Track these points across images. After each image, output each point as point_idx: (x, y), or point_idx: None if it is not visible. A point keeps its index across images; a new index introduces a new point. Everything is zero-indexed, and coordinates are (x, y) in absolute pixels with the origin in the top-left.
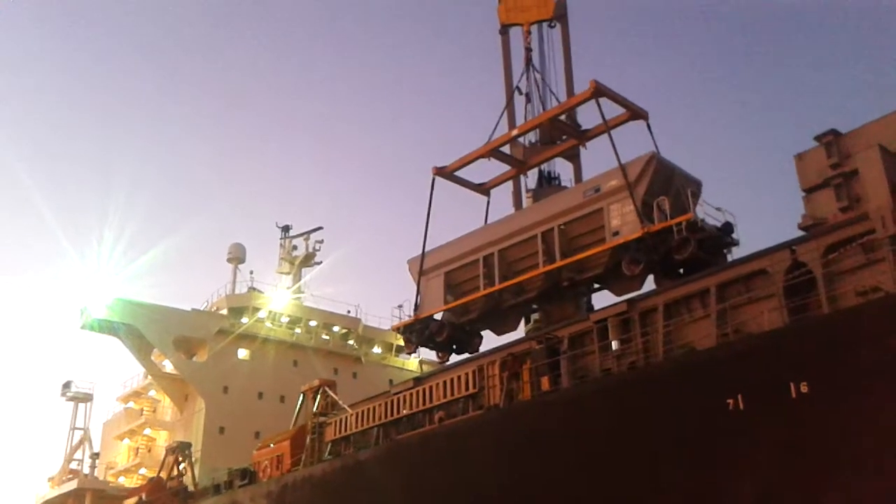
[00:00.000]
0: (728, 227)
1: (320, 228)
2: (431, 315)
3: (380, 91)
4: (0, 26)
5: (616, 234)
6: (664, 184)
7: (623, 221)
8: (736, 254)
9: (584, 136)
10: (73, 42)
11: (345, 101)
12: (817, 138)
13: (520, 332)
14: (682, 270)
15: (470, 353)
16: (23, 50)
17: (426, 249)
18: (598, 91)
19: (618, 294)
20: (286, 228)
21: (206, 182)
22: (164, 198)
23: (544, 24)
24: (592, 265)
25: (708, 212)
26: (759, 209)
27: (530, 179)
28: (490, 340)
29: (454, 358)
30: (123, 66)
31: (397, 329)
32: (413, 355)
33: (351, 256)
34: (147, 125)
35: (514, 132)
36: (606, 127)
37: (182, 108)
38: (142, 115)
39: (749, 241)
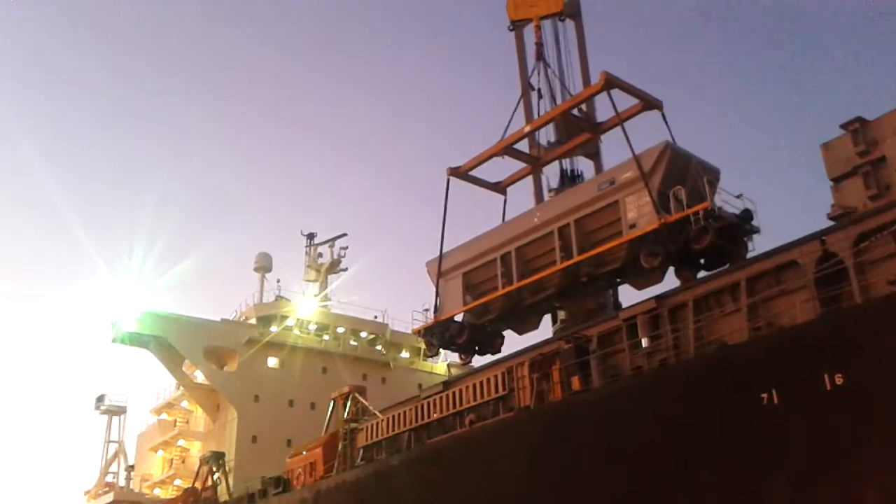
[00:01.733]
0: (747, 215)
1: (345, 235)
2: (452, 317)
3: (400, 94)
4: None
5: (633, 226)
6: (680, 173)
7: (639, 213)
8: (765, 246)
9: (599, 129)
10: (102, 58)
11: (365, 106)
12: (843, 126)
13: (548, 332)
14: (702, 261)
15: (492, 354)
16: (55, 65)
17: (444, 251)
18: (610, 82)
19: (638, 288)
20: (311, 236)
21: (232, 194)
22: (192, 211)
23: (557, 20)
24: (610, 259)
25: (727, 200)
26: (787, 200)
27: (553, 179)
28: (518, 342)
29: (482, 360)
30: (150, 81)
31: (418, 332)
32: (437, 358)
33: (376, 262)
34: (174, 139)
35: (527, 128)
36: (619, 119)
37: (207, 122)
38: (169, 129)
39: (779, 232)
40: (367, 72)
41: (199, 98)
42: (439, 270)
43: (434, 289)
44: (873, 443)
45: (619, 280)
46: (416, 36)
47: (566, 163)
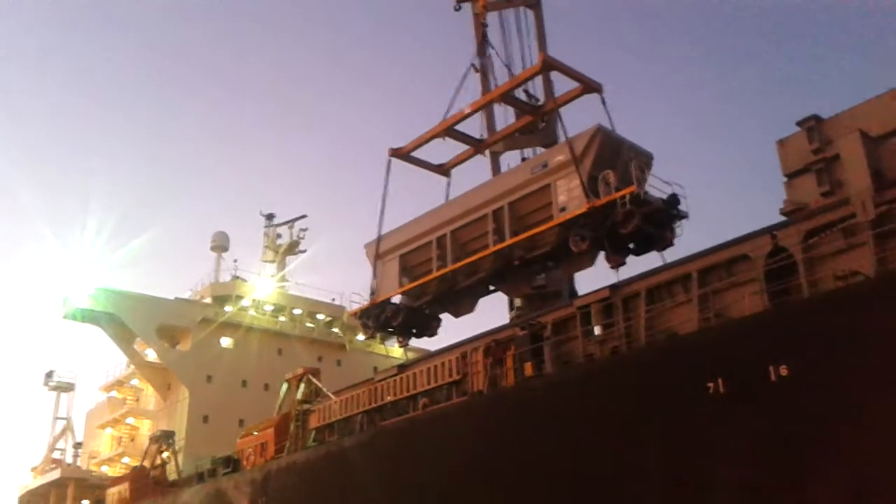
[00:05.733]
0: (674, 199)
1: (304, 216)
2: (388, 299)
3: (364, 77)
4: None
5: (563, 209)
6: (612, 157)
7: (570, 197)
8: (718, 238)
9: (539, 111)
10: (54, 26)
11: (329, 88)
12: (799, 123)
13: (504, 318)
14: (631, 245)
15: (428, 337)
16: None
17: (384, 233)
18: (548, 64)
19: (569, 272)
20: (270, 216)
21: (190, 170)
22: (148, 185)
23: (517, 9)
24: (542, 243)
25: (658, 185)
26: (743, 195)
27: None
28: (473, 328)
29: (439, 344)
30: (106, 50)
31: (354, 315)
32: (392, 342)
33: (336, 244)
34: (131, 109)
35: (467, 110)
36: (555, 103)
37: (167, 94)
38: (126, 99)
39: (733, 226)
40: (335, 51)
41: (159, 69)
42: (376, 252)
43: (371, 271)
44: (816, 433)
45: (550, 264)
46: (381, 16)
47: (527, 149)
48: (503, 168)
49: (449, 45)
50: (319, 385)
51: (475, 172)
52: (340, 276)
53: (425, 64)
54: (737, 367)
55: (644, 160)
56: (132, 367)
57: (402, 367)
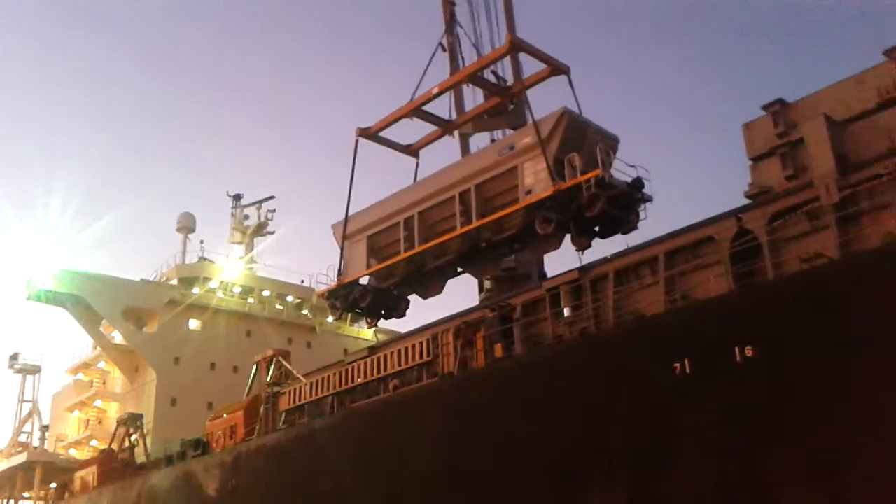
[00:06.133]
0: (638, 183)
1: (272, 198)
2: (356, 280)
3: (333, 57)
4: None
5: (529, 192)
6: (577, 140)
7: (536, 179)
8: (684, 220)
9: (507, 92)
10: (11, 2)
11: (299, 67)
12: (765, 107)
13: (474, 300)
14: (596, 228)
15: (397, 318)
16: None
17: (351, 213)
18: (515, 45)
19: (536, 255)
20: (237, 197)
21: (158, 149)
22: (113, 166)
23: None
24: (508, 225)
25: (623, 169)
26: (710, 178)
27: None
28: (444, 309)
29: (409, 326)
30: (69, 29)
31: (322, 295)
32: (361, 324)
33: (305, 225)
34: (95, 88)
35: (435, 90)
36: (521, 86)
37: (132, 74)
38: (90, 78)
39: (700, 209)
40: (305, 29)
41: (125, 46)
42: (344, 233)
43: (339, 251)
44: (778, 413)
45: (517, 246)
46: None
47: (498, 134)
48: (473, 150)
49: (421, 23)
50: (289, 367)
51: (445, 154)
52: (310, 258)
53: (397, 43)
54: (703, 347)
55: (610, 143)
56: (98, 349)
57: (373, 349)
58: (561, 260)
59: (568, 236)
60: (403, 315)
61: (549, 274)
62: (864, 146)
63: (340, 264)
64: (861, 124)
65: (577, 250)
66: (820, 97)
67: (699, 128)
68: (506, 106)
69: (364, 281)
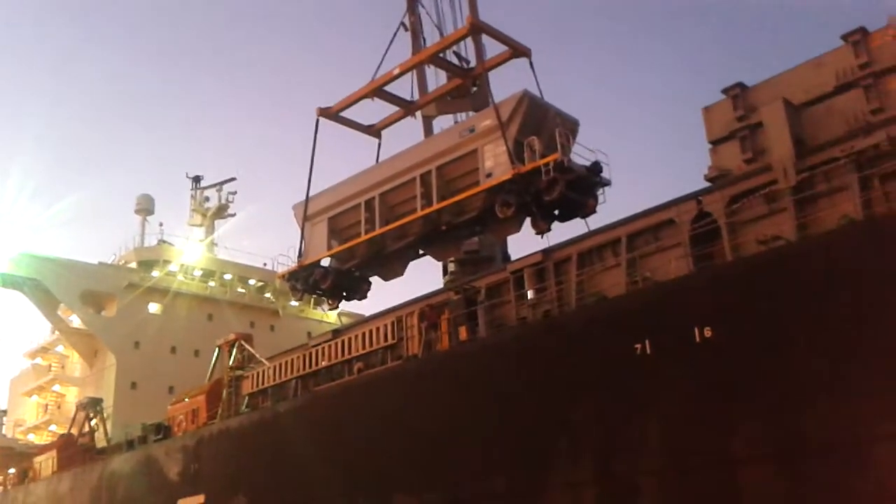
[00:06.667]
0: (597, 167)
1: (233, 179)
2: (317, 262)
3: (296, 35)
4: None
5: (489, 175)
6: (537, 123)
7: (496, 163)
8: (643, 203)
9: (469, 74)
10: None
11: (261, 46)
12: (724, 91)
13: (438, 282)
14: (556, 212)
15: (359, 300)
16: None
17: (312, 194)
18: (475, 27)
19: (497, 237)
20: (197, 179)
21: (117, 131)
22: (72, 147)
23: None
24: (469, 208)
25: (581, 153)
26: (671, 161)
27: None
28: (408, 292)
29: (373, 309)
30: (28, 5)
31: (282, 277)
32: (325, 306)
33: (267, 207)
34: (53, 67)
35: (396, 70)
36: (482, 68)
37: (91, 52)
38: (47, 56)
39: (661, 192)
40: (264, 9)
41: (86, 25)
42: (305, 214)
43: (300, 233)
44: (737, 392)
45: (478, 229)
46: None
47: (462, 116)
48: (436, 132)
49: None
50: (252, 351)
51: (410, 136)
52: (273, 241)
53: (362, 22)
54: (663, 328)
55: (570, 127)
56: (57, 333)
57: (337, 332)
58: (525, 243)
59: (528, 219)
60: (365, 297)
61: (513, 257)
62: (822, 129)
63: (301, 246)
64: (819, 108)
65: (537, 233)
66: (779, 81)
67: (661, 112)
68: (469, 88)
69: (325, 263)
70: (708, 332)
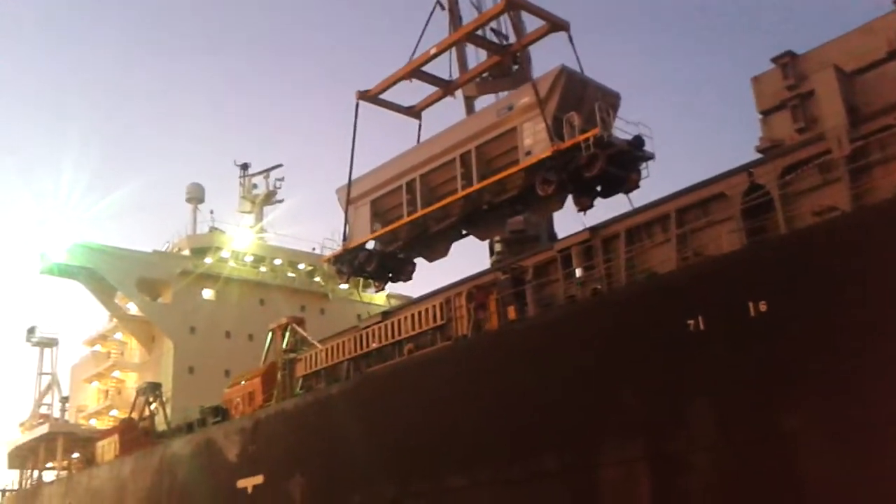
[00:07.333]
0: (638, 141)
1: (280, 166)
2: (362, 245)
3: (336, 21)
4: None
5: (528, 153)
6: (577, 98)
7: (535, 140)
8: (691, 177)
9: (507, 50)
10: None
11: (303, 33)
12: (774, 60)
13: (485, 263)
14: (598, 188)
15: (404, 281)
16: None
17: (355, 177)
18: (511, 3)
19: (539, 216)
20: (245, 166)
21: (166, 122)
22: (123, 139)
23: None
24: (509, 187)
25: (624, 127)
26: (720, 133)
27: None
28: (456, 272)
29: (422, 291)
30: (76, 3)
31: (328, 261)
32: (371, 289)
33: (315, 192)
34: (104, 63)
35: (433, 50)
36: (519, 44)
37: (140, 46)
38: (98, 52)
39: (711, 165)
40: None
41: (134, 19)
42: (348, 197)
43: (343, 216)
44: (793, 368)
45: (520, 207)
46: None
47: (503, 96)
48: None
49: None
50: (304, 334)
51: (452, 117)
52: (322, 225)
53: (401, 4)
54: (716, 304)
55: (611, 101)
56: (114, 320)
57: (386, 314)
58: (573, 220)
59: (570, 196)
60: (410, 278)
61: (559, 235)
62: (875, 96)
63: (345, 229)
64: (871, 74)
65: (579, 210)
66: (830, 48)
67: (709, 83)
68: (510, 67)
69: (370, 245)
70: (763, 307)
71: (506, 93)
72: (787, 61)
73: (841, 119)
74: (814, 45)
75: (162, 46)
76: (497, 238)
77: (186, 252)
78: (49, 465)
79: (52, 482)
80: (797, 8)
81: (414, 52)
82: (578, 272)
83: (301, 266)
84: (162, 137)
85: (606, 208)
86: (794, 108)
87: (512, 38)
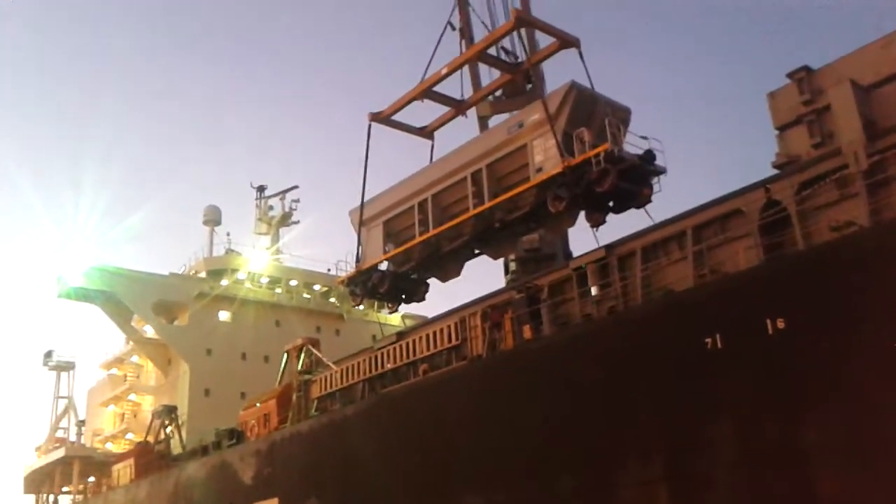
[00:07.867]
0: (649, 155)
1: (296, 187)
2: (375, 266)
3: (350, 44)
4: None
5: (539, 170)
6: (587, 114)
7: (546, 156)
8: (707, 194)
9: (518, 68)
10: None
11: (318, 54)
12: (790, 75)
13: (500, 282)
14: (610, 203)
15: (417, 302)
16: None
17: (367, 199)
18: (521, 20)
19: (552, 233)
20: (261, 189)
21: (181, 146)
22: (139, 163)
23: None
24: (521, 204)
25: (634, 141)
26: (736, 149)
27: None
28: (471, 292)
29: (436, 311)
30: (96, 23)
31: (342, 283)
32: (385, 310)
33: (330, 214)
34: (121, 85)
35: (444, 70)
36: (530, 62)
37: (156, 69)
38: (115, 75)
39: (727, 181)
40: (326, 16)
41: (147, 42)
42: (360, 219)
43: (356, 237)
44: (813, 385)
45: (532, 225)
46: None
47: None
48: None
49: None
50: (319, 355)
51: (465, 137)
52: (337, 247)
53: (416, 23)
54: (734, 321)
55: (621, 116)
56: (131, 343)
57: (401, 335)
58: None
59: (582, 212)
60: (423, 299)
61: (574, 253)
62: (892, 110)
63: (358, 251)
64: (888, 88)
65: (592, 226)
66: (845, 62)
67: (724, 99)
68: (523, 86)
69: (383, 266)
70: (781, 324)
71: None
72: (803, 76)
73: (857, 134)
74: (830, 59)
75: (174, 70)
76: (512, 257)
77: (203, 274)
78: (65, 489)
79: None
80: (813, 22)
81: (425, 72)
82: (594, 290)
83: (316, 287)
84: (177, 162)
85: (622, 225)
86: (810, 123)
87: (523, 57)
